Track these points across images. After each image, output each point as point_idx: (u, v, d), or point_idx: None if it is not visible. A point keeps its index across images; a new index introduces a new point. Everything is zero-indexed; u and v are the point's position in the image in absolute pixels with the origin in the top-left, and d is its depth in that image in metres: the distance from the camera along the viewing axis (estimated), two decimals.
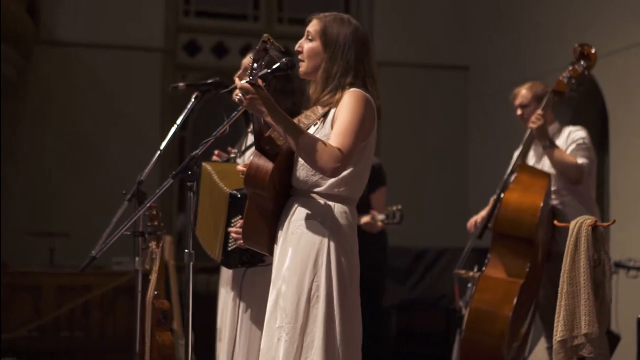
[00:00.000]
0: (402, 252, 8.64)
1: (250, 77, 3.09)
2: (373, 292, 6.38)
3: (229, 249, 3.96)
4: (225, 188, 3.98)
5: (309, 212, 3.20)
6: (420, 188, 10.76)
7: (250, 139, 4.34)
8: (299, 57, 3.31)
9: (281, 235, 3.26)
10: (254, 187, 3.23)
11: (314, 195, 3.20)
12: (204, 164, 4.21)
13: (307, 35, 3.31)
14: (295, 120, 3.24)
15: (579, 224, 3.58)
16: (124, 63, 10.31)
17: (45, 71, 10.11)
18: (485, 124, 10.75)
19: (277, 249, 3.27)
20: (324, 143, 3.09)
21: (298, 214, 3.22)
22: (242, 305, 4.00)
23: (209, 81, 4.34)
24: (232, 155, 4.42)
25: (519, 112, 5.41)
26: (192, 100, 4.33)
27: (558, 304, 3.61)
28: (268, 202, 3.24)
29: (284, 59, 3.31)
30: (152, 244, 4.24)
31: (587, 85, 5.57)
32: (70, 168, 10.07)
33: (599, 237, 3.58)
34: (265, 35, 3.05)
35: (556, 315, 3.61)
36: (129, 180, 9.20)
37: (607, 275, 3.59)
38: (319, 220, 3.18)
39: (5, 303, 8.12)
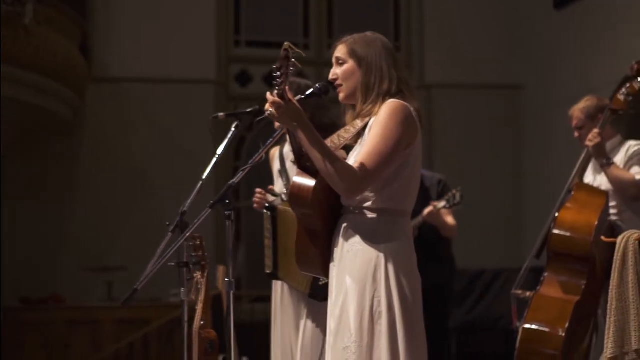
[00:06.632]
0: (458, 273, 8.52)
1: (277, 89, 3.02)
2: (439, 313, 6.22)
3: (321, 283, 3.90)
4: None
5: (362, 228, 3.14)
6: (474, 209, 10.63)
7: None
8: (337, 83, 3.28)
9: (337, 253, 3.21)
10: (299, 206, 3.17)
11: (365, 211, 3.15)
12: (278, 207, 4.25)
13: (337, 61, 3.29)
14: (335, 135, 3.22)
15: (626, 239, 3.49)
16: (177, 97, 10.39)
17: (99, 108, 10.25)
18: (539, 143, 10.61)
19: (334, 268, 3.22)
20: (342, 164, 3.06)
21: (351, 231, 3.16)
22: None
23: (249, 110, 4.31)
24: (280, 193, 4.44)
25: (576, 134, 5.28)
26: (232, 129, 4.31)
27: (608, 320, 3.52)
28: (317, 221, 3.19)
29: (317, 85, 3.29)
30: (197, 274, 4.23)
31: None
32: (126, 203, 10.16)
33: None
34: (286, 43, 2.98)
35: (606, 332, 3.52)
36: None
37: None
38: (373, 236, 3.13)
39: (64, 338, 8.19)
